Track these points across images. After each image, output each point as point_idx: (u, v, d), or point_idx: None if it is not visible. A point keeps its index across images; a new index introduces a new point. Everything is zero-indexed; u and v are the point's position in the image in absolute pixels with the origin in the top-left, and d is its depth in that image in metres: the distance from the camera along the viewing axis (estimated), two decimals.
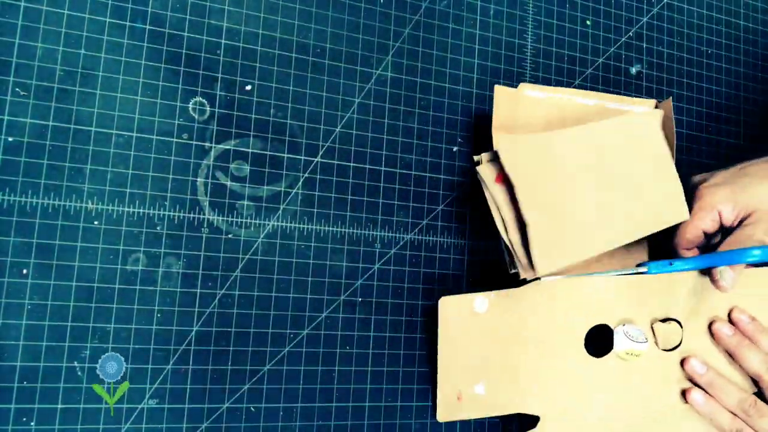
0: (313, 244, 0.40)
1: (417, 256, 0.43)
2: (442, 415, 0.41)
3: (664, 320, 0.45)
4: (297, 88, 0.41)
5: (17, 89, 0.35)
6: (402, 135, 0.43)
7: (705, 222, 0.43)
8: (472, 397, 0.41)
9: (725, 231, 0.44)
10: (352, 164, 0.42)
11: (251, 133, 0.40)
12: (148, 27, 0.38)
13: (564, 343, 0.43)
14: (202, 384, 0.37)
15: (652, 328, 0.44)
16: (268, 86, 0.40)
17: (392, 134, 0.43)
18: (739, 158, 0.56)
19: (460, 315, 0.41)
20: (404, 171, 0.43)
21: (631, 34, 0.51)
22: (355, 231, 0.42)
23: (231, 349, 0.38)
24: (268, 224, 0.40)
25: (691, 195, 0.44)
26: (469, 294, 0.41)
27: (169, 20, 0.39)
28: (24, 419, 0.34)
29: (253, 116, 0.40)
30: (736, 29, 0.56)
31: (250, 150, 0.40)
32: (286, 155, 0.40)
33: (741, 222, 0.43)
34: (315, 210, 0.41)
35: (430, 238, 0.43)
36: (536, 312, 0.42)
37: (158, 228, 0.37)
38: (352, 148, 0.42)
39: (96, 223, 0.36)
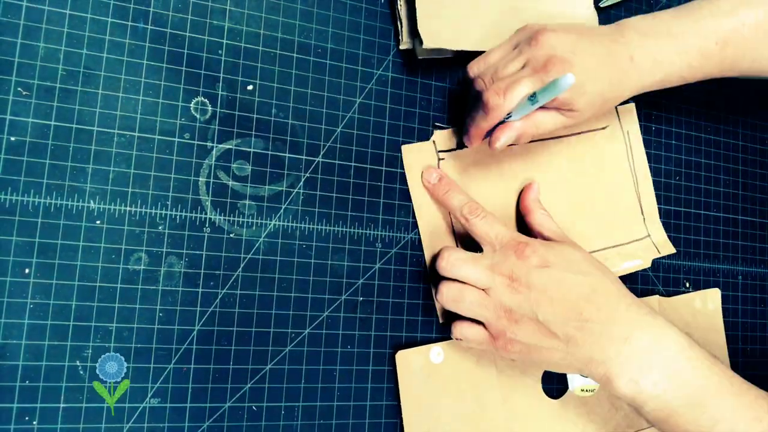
0: (314, 244, 0.41)
1: (418, 255, 0.43)
2: None
3: None
4: (298, 88, 0.41)
5: (19, 89, 0.35)
6: (403, 135, 0.43)
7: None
8: None
9: None
10: (353, 164, 0.42)
11: (253, 132, 0.40)
12: (150, 27, 0.38)
13: (522, 386, 0.43)
14: (204, 383, 0.37)
15: None
16: (269, 86, 0.40)
17: (393, 134, 0.43)
18: (735, 161, 0.56)
19: (419, 367, 0.41)
20: (405, 171, 0.43)
21: None
22: (356, 230, 0.42)
23: (233, 348, 0.38)
24: (270, 224, 0.40)
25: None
26: (425, 346, 0.41)
27: (170, 20, 0.39)
28: (26, 418, 0.34)
29: (255, 116, 0.40)
30: None
31: (251, 150, 0.40)
32: (287, 155, 0.41)
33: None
34: (316, 209, 0.41)
35: None
36: (491, 359, 0.43)
37: (160, 227, 0.37)
38: (354, 147, 0.42)
39: (98, 222, 0.36)
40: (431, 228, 0.43)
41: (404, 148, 0.43)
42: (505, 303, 0.36)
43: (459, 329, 0.39)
